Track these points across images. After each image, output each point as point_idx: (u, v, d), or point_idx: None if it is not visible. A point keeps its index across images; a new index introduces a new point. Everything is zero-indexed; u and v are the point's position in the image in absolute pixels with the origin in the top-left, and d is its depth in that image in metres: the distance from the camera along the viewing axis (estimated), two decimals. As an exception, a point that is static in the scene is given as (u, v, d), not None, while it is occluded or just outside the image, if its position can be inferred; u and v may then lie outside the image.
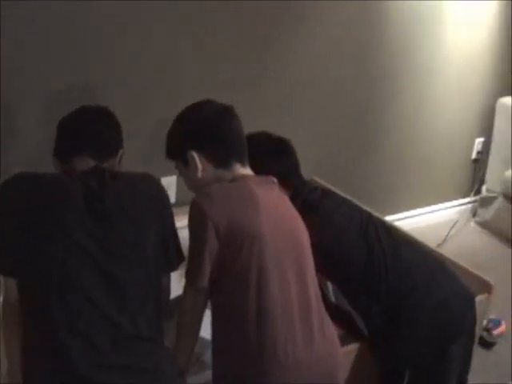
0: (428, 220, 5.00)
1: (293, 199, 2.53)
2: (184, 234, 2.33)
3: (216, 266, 2.19)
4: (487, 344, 3.72)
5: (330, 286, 2.71)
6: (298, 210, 2.46)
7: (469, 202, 5.35)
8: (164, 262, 2.30)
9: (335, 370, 2.33)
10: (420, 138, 4.78)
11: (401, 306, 2.62)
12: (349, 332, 2.69)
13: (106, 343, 2.04)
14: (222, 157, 2.36)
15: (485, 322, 3.62)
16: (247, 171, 2.40)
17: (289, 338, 2.18)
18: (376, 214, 3.15)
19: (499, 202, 5.06)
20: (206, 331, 2.33)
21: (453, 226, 4.94)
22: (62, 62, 3.10)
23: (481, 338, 3.60)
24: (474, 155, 5.24)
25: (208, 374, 2.35)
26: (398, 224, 3.98)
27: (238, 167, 2.37)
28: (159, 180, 2.52)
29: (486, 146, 5.20)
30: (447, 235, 4.82)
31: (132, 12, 3.22)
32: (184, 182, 2.50)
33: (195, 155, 2.34)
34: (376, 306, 2.65)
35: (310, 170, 3.27)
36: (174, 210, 2.40)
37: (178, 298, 2.42)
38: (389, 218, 4.22)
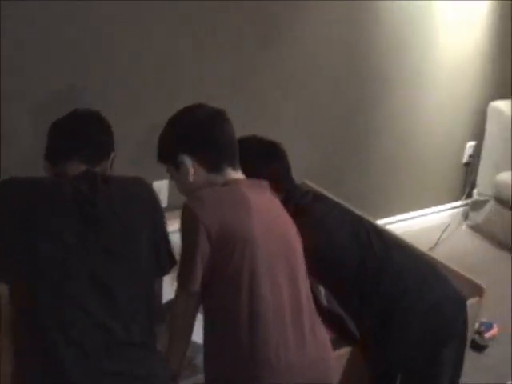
0: (420, 223, 5.00)
1: (285, 203, 2.53)
2: (176, 238, 2.33)
3: (208, 269, 2.19)
4: (479, 347, 3.72)
5: (321, 289, 2.71)
6: (289, 214, 2.46)
7: (460, 206, 5.35)
8: (156, 266, 2.31)
9: (327, 373, 2.33)
10: (411, 141, 4.78)
11: (393, 309, 2.62)
12: (341, 336, 2.68)
13: (98, 350, 2.04)
14: (213, 161, 2.36)
15: (477, 325, 3.62)
16: (239, 175, 2.40)
17: (281, 341, 2.18)
18: (368, 217, 3.15)
19: (490, 205, 5.07)
20: (197, 335, 2.33)
21: (444, 230, 4.95)
22: (55, 64, 3.10)
23: (473, 341, 3.60)
24: (465, 159, 5.25)
25: (200, 378, 2.35)
26: (389, 227, 3.99)
27: (230, 171, 2.37)
28: (151, 184, 2.52)
29: (478, 150, 5.21)
30: (439, 239, 4.83)
31: (130, 13, 3.24)
32: (176, 185, 2.50)
33: (187, 159, 2.34)
34: (368, 309, 2.65)
35: (301, 173, 3.27)
36: (166, 214, 2.41)
37: (170, 302, 2.41)
38: (381, 222, 4.23)
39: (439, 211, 5.21)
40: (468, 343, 2.92)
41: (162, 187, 3.39)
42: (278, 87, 3.92)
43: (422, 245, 3.61)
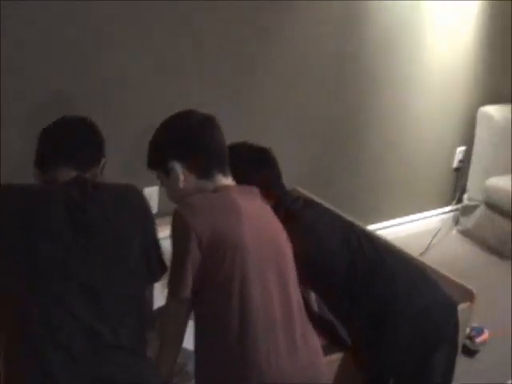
0: (410, 229, 5.00)
1: (275, 209, 2.53)
2: (166, 245, 2.33)
3: (198, 276, 2.19)
4: (470, 352, 3.72)
5: (312, 295, 2.71)
6: (280, 220, 2.46)
7: (451, 211, 5.36)
8: (146, 272, 2.31)
9: (318, 379, 2.32)
10: (401, 147, 4.79)
11: (385, 312, 2.62)
12: (332, 342, 2.68)
13: (86, 354, 2.04)
14: (203, 167, 2.36)
15: (467, 330, 3.62)
16: (229, 181, 2.40)
17: (271, 347, 2.18)
18: (358, 223, 3.16)
19: (481, 210, 5.08)
20: (189, 342, 2.32)
21: (435, 235, 4.95)
22: (45, 69, 3.10)
23: (464, 346, 3.60)
24: (455, 164, 5.25)
25: (191, 385, 2.35)
26: (380, 233, 3.99)
27: (220, 177, 2.37)
28: (141, 191, 2.52)
29: (468, 155, 5.22)
30: (429, 244, 4.83)
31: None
32: (166, 192, 2.50)
33: (177, 165, 2.34)
34: (358, 311, 2.65)
35: (292, 179, 3.27)
36: (156, 221, 2.40)
37: (161, 309, 2.41)
38: (371, 227, 4.23)
39: (430, 216, 5.22)
40: (459, 348, 2.92)
41: (152, 193, 3.39)
42: (267, 93, 3.91)
43: (413, 250, 3.61)
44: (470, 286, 3.13)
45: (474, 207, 5.14)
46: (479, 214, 5.09)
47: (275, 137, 3.64)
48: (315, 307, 2.70)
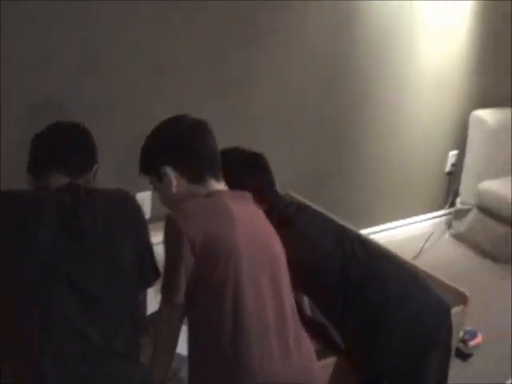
0: (403, 233, 5.01)
1: (268, 214, 2.53)
2: (159, 250, 2.33)
3: (192, 281, 2.19)
4: (464, 355, 3.73)
5: (305, 299, 2.71)
6: (273, 225, 2.47)
7: (443, 215, 5.37)
8: (140, 278, 2.31)
9: (312, 383, 2.32)
10: (394, 151, 4.80)
11: (378, 315, 2.62)
12: (325, 346, 2.68)
13: (79, 360, 2.04)
14: (196, 172, 2.36)
15: (461, 334, 3.63)
16: (222, 186, 2.41)
17: (265, 352, 2.18)
18: (351, 227, 3.16)
19: (473, 214, 5.09)
20: (182, 347, 2.32)
21: (428, 239, 4.96)
22: (36, 73, 3.10)
23: (457, 349, 3.61)
24: (447, 168, 5.27)
25: (185, 390, 2.34)
26: (373, 237, 4.00)
27: (213, 182, 2.37)
28: (134, 196, 2.52)
29: (460, 159, 5.23)
30: (422, 248, 4.84)
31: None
32: (158, 197, 2.49)
33: (169, 170, 2.34)
34: (351, 312, 2.64)
35: (285, 184, 3.27)
36: (149, 226, 2.40)
37: (154, 314, 2.41)
38: (364, 232, 4.23)
39: (422, 220, 5.23)
40: (453, 351, 2.93)
41: (145, 199, 3.39)
42: (258, 97, 3.92)
43: (406, 254, 3.62)
44: (463, 290, 3.13)
45: (467, 211, 5.15)
46: (472, 217, 5.10)
47: (267, 141, 3.63)
48: (308, 311, 2.70)
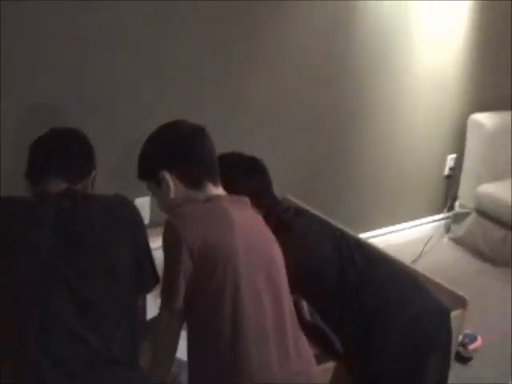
0: (402, 237, 5.01)
1: (266, 219, 2.53)
2: (159, 255, 2.33)
3: (190, 286, 2.19)
4: (463, 359, 3.73)
5: (304, 303, 2.71)
6: (271, 230, 2.47)
7: (442, 219, 5.37)
8: (139, 283, 2.31)
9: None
10: (392, 154, 4.80)
11: (375, 320, 2.62)
12: (324, 350, 2.68)
13: (76, 362, 2.04)
14: (194, 177, 2.37)
15: (460, 337, 3.63)
16: (220, 191, 2.41)
17: (264, 356, 2.18)
18: (350, 231, 3.16)
19: (472, 217, 5.09)
20: (182, 352, 2.32)
21: (427, 243, 4.96)
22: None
23: (457, 353, 3.61)
24: (446, 171, 5.27)
25: (185, 395, 2.35)
26: (372, 241, 3.99)
27: (211, 187, 2.37)
28: (133, 201, 2.52)
29: (459, 163, 5.23)
30: (421, 251, 4.84)
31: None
32: (157, 202, 2.50)
33: (167, 176, 2.35)
34: (348, 316, 2.64)
35: (283, 188, 3.27)
36: (148, 231, 2.40)
37: (154, 319, 2.41)
38: (363, 236, 4.24)
39: (421, 224, 5.23)
40: (452, 355, 2.93)
41: (143, 204, 3.39)
42: (254, 100, 3.91)
43: (405, 258, 3.62)
44: (462, 293, 3.13)
45: (466, 214, 5.15)
46: (471, 221, 5.10)
47: (265, 145, 3.63)
48: (307, 316, 2.70)
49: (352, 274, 2.69)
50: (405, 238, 5.00)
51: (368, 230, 4.73)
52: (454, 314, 2.94)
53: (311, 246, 2.75)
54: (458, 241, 5.21)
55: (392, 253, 3.34)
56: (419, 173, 5.04)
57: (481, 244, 5.00)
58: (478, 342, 3.81)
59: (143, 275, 2.33)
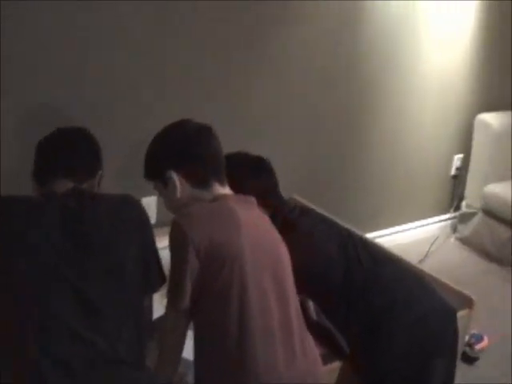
0: (409, 237, 5.00)
1: (273, 219, 2.53)
2: (165, 255, 2.33)
3: (197, 285, 2.19)
4: (470, 359, 3.72)
5: (311, 303, 2.71)
6: (278, 230, 2.47)
7: (449, 219, 5.36)
8: (145, 283, 2.31)
9: (317, 387, 2.33)
10: (399, 154, 4.79)
11: (381, 319, 2.62)
12: (330, 350, 2.68)
13: (79, 363, 2.04)
14: (200, 176, 2.37)
15: (467, 338, 3.62)
16: (226, 190, 2.41)
17: (270, 356, 2.18)
18: (356, 231, 3.15)
19: (479, 217, 5.08)
20: (188, 352, 2.32)
21: (433, 243, 4.95)
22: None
23: (463, 353, 3.60)
24: (453, 171, 5.26)
25: (191, 395, 2.35)
26: (378, 241, 3.99)
27: (217, 186, 2.38)
28: (139, 201, 2.52)
29: (465, 163, 5.22)
30: (428, 251, 4.83)
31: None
32: (163, 202, 2.50)
33: (174, 175, 2.35)
34: (354, 316, 2.64)
35: (289, 188, 3.27)
36: (155, 231, 2.40)
37: (160, 319, 2.41)
38: (369, 236, 4.23)
39: (427, 224, 5.22)
40: (459, 355, 2.92)
41: (150, 204, 3.39)
42: (260, 99, 3.91)
43: (411, 258, 3.62)
44: (468, 293, 3.13)
45: (472, 214, 5.14)
46: (477, 221, 5.09)
47: (271, 145, 3.62)
48: (314, 315, 2.70)
49: (358, 273, 2.69)
50: (411, 237, 5.00)
51: (374, 230, 4.73)
52: (461, 314, 2.93)
53: (317, 246, 2.75)
54: (464, 241, 5.20)
55: (398, 253, 3.34)
56: (426, 173, 5.03)
57: (487, 244, 4.99)
58: (485, 342, 3.81)
59: (150, 275, 2.33)
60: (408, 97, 4.67)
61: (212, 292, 2.19)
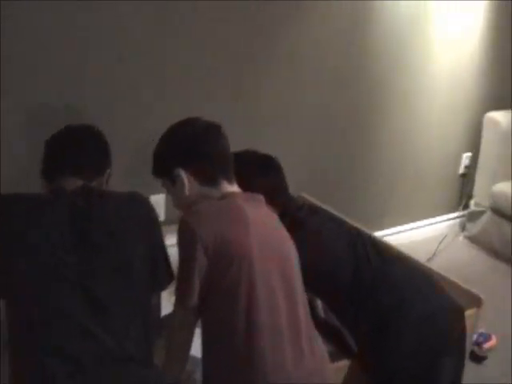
0: (417, 235, 5.00)
1: (281, 217, 2.53)
2: (174, 252, 2.33)
3: (205, 283, 2.19)
4: (478, 358, 3.71)
5: (319, 302, 2.71)
6: (286, 228, 2.46)
7: (457, 217, 5.35)
8: (154, 280, 2.32)
9: (325, 384, 2.33)
10: (407, 153, 4.79)
11: (389, 318, 2.62)
12: (338, 349, 2.68)
13: (88, 361, 2.04)
14: (208, 174, 2.37)
15: (475, 336, 3.62)
16: (234, 188, 2.41)
17: (278, 354, 2.18)
18: (365, 229, 3.15)
19: (487, 216, 5.07)
20: (196, 350, 2.32)
21: (442, 241, 4.95)
22: (56, 70, 3.11)
23: (471, 352, 3.60)
24: (461, 170, 5.25)
25: (199, 392, 2.35)
26: (387, 239, 3.99)
27: (226, 184, 2.37)
28: (148, 198, 2.52)
29: (474, 161, 5.21)
30: (436, 250, 4.82)
31: (130, 20, 3.25)
32: (171, 200, 2.50)
33: (182, 173, 2.35)
34: (363, 315, 2.64)
35: (298, 186, 3.27)
36: (163, 229, 2.41)
37: (168, 316, 2.41)
38: (378, 234, 4.22)
39: (436, 223, 5.22)
40: (467, 354, 2.92)
41: (158, 201, 3.39)
42: (269, 98, 3.91)
43: (420, 256, 3.61)
44: (477, 292, 3.12)
45: (481, 213, 5.13)
46: (486, 219, 5.08)
47: (280, 143, 3.62)
48: (322, 314, 2.70)
49: (367, 272, 2.69)
50: (420, 236, 4.99)
51: (383, 229, 4.73)
52: (469, 312, 2.93)
53: (325, 244, 2.75)
54: (473, 239, 5.19)
55: (407, 251, 3.33)
56: (434, 171, 5.03)
57: (496, 242, 4.98)
58: (493, 341, 3.80)
59: (158, 273, 2.33)
60: (417, 96, 4.67)
61: (220, 289, 2.19)
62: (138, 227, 2.27)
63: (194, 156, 2.37)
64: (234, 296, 2.18)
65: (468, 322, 2.78)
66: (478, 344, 3.73)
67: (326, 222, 2.87)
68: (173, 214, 2.71)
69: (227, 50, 3.63)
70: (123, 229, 2.22)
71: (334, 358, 2.53)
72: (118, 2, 3.16)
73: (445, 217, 5.28)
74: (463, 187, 5.30)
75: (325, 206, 3.38)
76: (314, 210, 2.94)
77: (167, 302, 2.46)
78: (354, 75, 4.26)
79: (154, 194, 3.28)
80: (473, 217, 5.22)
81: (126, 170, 3.21)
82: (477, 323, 3.16)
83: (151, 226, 2.34)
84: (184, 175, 2.35)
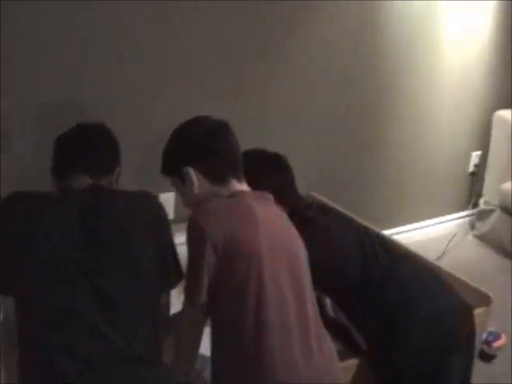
0: (426, 234, 5.00)
1: (290, 216, 2.53)
2: (183, 250, 2.33)
3: (214, 281, 2.19)
4: (487, 357, 3.71)
5: (328, 300, 2.71)
6: (295, 226, 2.46)
7: (466, 216, 5.36)
8: (163, 279, 2.32)
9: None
10: (418, 153, 4.79)
11: (397, 316, 2.62)
12: (347, 347, 2.68)
13: (100, 362, 2.04)
14: (218, 172, 2.37)
15: (484, 335, 3.61)
16: (244, 187, 2.41)
17: (287, 352, 2.18)
18: (374, 228, 3.15)
19: (497, 214, 5.06)
20: (205, 348, 2.33)
21: (451, 240, 4.94)
22: (57, 70, 3.11)
23: (481, 350, 3.59)
24: (470, 168, 5.25)
25: (208, 391, 2.35)
26: (396, 238, 3.98)
27: (235, 183, 2.38)
28: (157, 197, 2.53)
29: (483, 159, 5.21)
30: (445, 248, 4.82)
31: (133, 19, 3.25)
32: (181, 199, 2.50)
33: (191, 171, 2.35)
34: (371, 313, 2.64)
35: (307, 185, 3.27)
36: (173, 227, 2.41)
37: (177, 315, 2.42)
38: (387, 233, 4.21)
39: (445, 221, 5.21)
40: (476, 353, 2.91)
41: (168, 200, 3.39)
42: (278, 97, 3.91)
43: (429, 255, 3.61)
44: (486, 291, 3.12)
45: (490, 211, 5.12)
46: (495, 218, 5.08)
47: (288, 143, 3.61)
48: (330, 312, 2.70)
49: (375, 270, 2.69)
50: (429, 235, 5.00)
51: (392, 227, 4.73)
52: (478, 311, 2.92)
53: (334, 242, 2.75)
54: (482, 238, 5.19)
55: (416, 250, 3.33)
56: (443, 170, 5.02)
57: (505, 241, 4.97)
58: (502, 340, 3.79)
59: (167, 271, 2.34)
60: (427, 96, 4.67)
61: (229, 288, 2.19)
62: (147, 225, 2.27)
63: (203, 154, 2.37)
64: (243, 295, 2.18)
65: (477, 321, 2.77)
66: (488, 343, 3.72)
67: (335, 220, 2.87)
68: (182, 213, 2.72)
69: (228, 50, 3.62)
70: (132, 226, 2.23)
71: (342, 356, 2.52)
72: (117, 2, 3.17)
73: (454, 215, 5.28)
74: (472, 186, 5.30)
75: (333, 205, 3.38)
76: (323, 209, 2.94)
77: (176, 301, 2.47)
78: (363, 75, 4.26)
79: (163, 192, 3.28)
80: (482, 215, 5.21)
81: (135, 168, 3.21)
82: (486, 322, 3.16)
83: (161, 225, 2.34)
84: (193, 173, 2.35)
